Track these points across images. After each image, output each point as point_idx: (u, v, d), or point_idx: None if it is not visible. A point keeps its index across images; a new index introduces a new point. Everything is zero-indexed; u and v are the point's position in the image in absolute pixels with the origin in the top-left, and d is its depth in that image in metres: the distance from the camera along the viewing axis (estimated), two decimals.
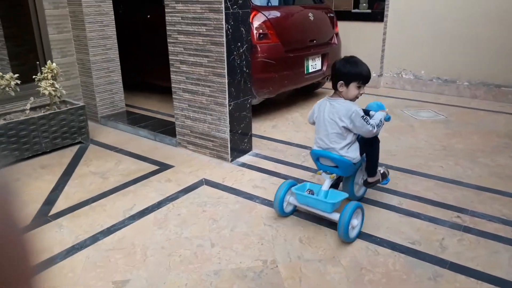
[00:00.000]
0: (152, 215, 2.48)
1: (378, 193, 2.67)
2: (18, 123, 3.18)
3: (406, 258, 2.06)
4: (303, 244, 2.18)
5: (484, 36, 4.82)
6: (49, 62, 3.41)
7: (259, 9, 4.01)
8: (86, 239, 2.24)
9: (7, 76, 3.17)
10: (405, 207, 2.52)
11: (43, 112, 3.38)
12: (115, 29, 4.15)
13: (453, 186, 2.79)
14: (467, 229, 2.29)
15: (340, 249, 2.14)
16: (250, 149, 3.41)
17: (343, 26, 5.32)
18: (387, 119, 2.36)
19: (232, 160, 3.22)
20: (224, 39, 2.94)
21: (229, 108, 3.10)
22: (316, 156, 2.33)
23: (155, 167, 3.15)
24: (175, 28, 3.20)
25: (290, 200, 2.39)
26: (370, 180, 2.47)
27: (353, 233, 2.17)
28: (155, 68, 4.61)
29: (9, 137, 3.13)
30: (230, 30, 2.97)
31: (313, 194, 2.31)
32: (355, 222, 2.18)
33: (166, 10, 3.21)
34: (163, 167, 3.15)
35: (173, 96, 3.43)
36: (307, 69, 4.49)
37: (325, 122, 2.24)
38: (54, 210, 2.56)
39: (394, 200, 2.60)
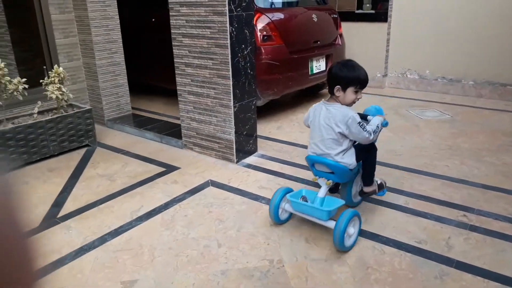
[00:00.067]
0: (159, 216, 2.51)
1: None
2: (26, 127, 3.23)
3: (412, 257, 2.06)
4: (309, 244, 2.19)
5: (488, 34, 4.80)
6: (56, 66, 3.45)
7: (262, 11, 4.04)
8: (94, 240, 2.27)
9: (15, 80, 3.21)
10: (411, 207, 2.52)
11: (51, 116, 3.42)
12: (120, 33, 4.20)
13: (459, 185, 2.79)
14: (473, 228, 2.29)
15: None
16: (255, 150, 3.42)
17: (347, 27, 5.33)
18: (385, 124, 2.29)
19: (237, 161, 3.24)
20: (228, 41, 2.96)
21: (234, 110, 3.12)
22: (312, 162, 2.27)
23: (161, 169, 3.17)
24: (180, 31, 3.24)
25: (286, 207, 2.32)
26: (366, 189, 2.40)
27: (349, 242, 2.10)
28: (161, 71, 4.65)
29: (17, 140, 3.18)
30: (234, 33, 2.99)
31: (307, 201, 2.24)
32: (352, 230, 2.11)
33: (170, 13, 3.24)
34: (169, 169, 3.18)
35: (179, 99, 3.45)
36: (311, 70, 4.51)
37: (321, 127, 2.18)
38: (63, 212, 2.59)
39: (400, 200, 2.61)
